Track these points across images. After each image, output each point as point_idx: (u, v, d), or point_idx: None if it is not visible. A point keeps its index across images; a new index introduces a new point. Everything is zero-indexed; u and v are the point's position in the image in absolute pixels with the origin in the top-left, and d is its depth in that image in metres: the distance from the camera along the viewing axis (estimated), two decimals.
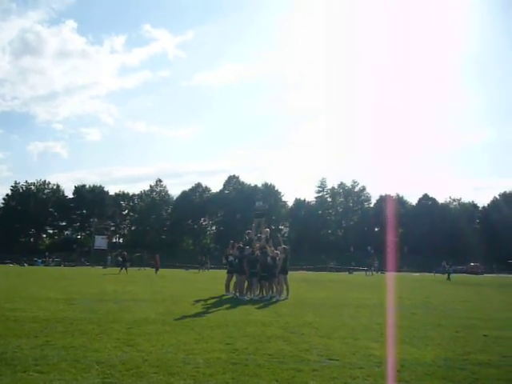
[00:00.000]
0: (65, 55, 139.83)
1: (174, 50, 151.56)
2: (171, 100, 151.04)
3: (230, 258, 17.95)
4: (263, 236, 18.61)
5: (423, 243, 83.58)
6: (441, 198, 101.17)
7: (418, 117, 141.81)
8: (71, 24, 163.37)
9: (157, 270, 41.53)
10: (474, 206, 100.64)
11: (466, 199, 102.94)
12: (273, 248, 17.84)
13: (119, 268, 39.62)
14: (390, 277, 44.69)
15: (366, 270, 51.38)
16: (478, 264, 68.49)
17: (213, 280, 19.95)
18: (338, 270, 61.06)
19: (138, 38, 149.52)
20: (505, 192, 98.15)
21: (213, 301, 15.20)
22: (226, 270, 18.62)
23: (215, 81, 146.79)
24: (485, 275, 56.84)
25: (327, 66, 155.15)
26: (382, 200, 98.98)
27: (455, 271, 63.20)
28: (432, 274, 55.37)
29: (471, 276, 53.88)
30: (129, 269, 40.44)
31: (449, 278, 39.30)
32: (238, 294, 16.89)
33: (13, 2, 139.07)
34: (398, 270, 48.40)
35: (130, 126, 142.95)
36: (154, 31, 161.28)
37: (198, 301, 14.90)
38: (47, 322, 9.36)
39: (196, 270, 46.02)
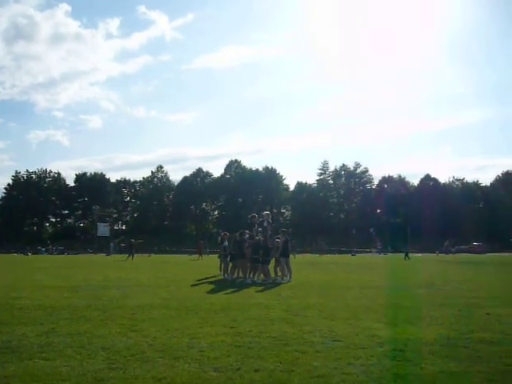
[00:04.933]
0: (59, 39, 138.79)
1: (171, 32, 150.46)
2: (171, 84, 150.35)
3: (225, 243, 18.35)
4: (264, 219, 18.66)
5: (426, 224, 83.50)
6: (443, 179, 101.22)
7: (418, 96, 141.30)
8: (65, 7, 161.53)
9: (200, 255, 41.85)
10: (477, 185, 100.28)
11: (469, 179, 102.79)
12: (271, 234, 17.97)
13: (127, 255, 39.97)
14: (393, 258, 44.86)
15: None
16: (481, 243, 68.56)
17: (216, 265, 20.02)
18: (329, 252, 60.83)
19: (133, 20, 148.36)
20: (507, 171, 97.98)
21: (216, 285, 15.26)
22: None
23: (216, 64, 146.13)
24: (487, 254, 56.91)
25: (329, 49, 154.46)
26: (384, 181, 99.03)
27: (459, 251, 63.54)
28: (435, 254, 55.54)
29: (474, 255, 53.99)
30: (136, 255, 40.76)
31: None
32: (229, 277, 17.38)
33: None
34: (401, 250, 48.40)
35: (130, 112, 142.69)
36: (150, 13, 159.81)
37: (201, 285, 15.00)
38: (52, 309, 9.40)
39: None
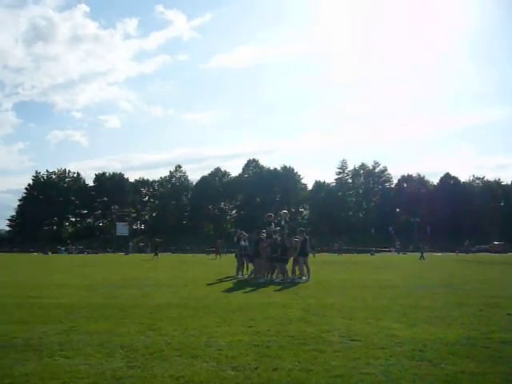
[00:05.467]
0: (77, 40, 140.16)
1: (189, 32, 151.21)
2: (189, 84, 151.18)
3: (242, 243, 18.31)
4: (282, 218, 18.64)
5: (446, 223, 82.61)
6: (463, 177, 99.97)
7: (438, 94, 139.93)
8: (83, 8, 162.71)
9: (217, 255, 41.94)
10: (498, 184, 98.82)
11: (490, 177, 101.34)
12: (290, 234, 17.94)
13: (147, 254, 40.29)
14: (412, 257, 44.47)
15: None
16: (502, 243, 67.67)
17: (233, 264, 20.00)
18: (348, 251, 61.09)
19: (151, 20, 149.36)
20: None
21: (234, 284, 15.27)
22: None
23: (233, 63, 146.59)
24: (508, 254, 56.11)
25: (345, 48, 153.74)
26: (404, 180, 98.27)
27: (479, 250, 62.71)
28: (455, 253, 54.93)
29: (495, 255, 53.29)
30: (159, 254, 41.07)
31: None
32: (250, 276, 17.51)
33: None
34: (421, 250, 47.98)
35: (148, 112, 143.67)
36: (167, 12, 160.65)
37: (218, 285, 15.02)
38: (71, 308, 9.50)
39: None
